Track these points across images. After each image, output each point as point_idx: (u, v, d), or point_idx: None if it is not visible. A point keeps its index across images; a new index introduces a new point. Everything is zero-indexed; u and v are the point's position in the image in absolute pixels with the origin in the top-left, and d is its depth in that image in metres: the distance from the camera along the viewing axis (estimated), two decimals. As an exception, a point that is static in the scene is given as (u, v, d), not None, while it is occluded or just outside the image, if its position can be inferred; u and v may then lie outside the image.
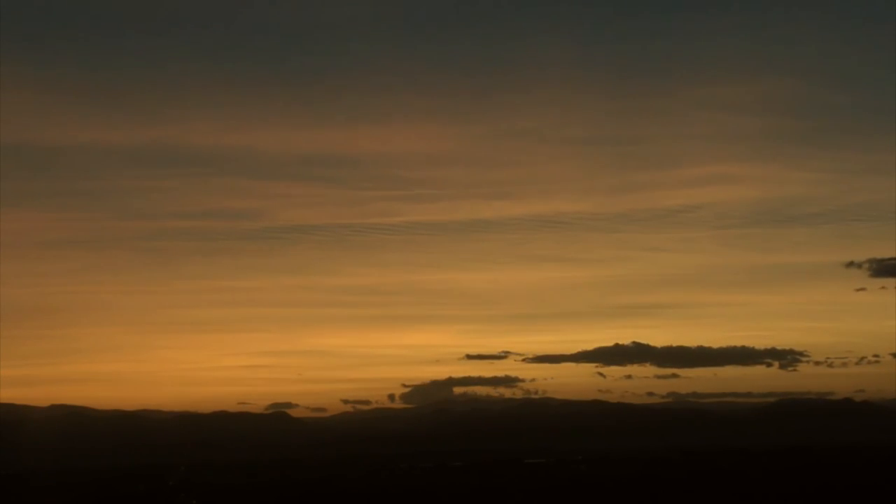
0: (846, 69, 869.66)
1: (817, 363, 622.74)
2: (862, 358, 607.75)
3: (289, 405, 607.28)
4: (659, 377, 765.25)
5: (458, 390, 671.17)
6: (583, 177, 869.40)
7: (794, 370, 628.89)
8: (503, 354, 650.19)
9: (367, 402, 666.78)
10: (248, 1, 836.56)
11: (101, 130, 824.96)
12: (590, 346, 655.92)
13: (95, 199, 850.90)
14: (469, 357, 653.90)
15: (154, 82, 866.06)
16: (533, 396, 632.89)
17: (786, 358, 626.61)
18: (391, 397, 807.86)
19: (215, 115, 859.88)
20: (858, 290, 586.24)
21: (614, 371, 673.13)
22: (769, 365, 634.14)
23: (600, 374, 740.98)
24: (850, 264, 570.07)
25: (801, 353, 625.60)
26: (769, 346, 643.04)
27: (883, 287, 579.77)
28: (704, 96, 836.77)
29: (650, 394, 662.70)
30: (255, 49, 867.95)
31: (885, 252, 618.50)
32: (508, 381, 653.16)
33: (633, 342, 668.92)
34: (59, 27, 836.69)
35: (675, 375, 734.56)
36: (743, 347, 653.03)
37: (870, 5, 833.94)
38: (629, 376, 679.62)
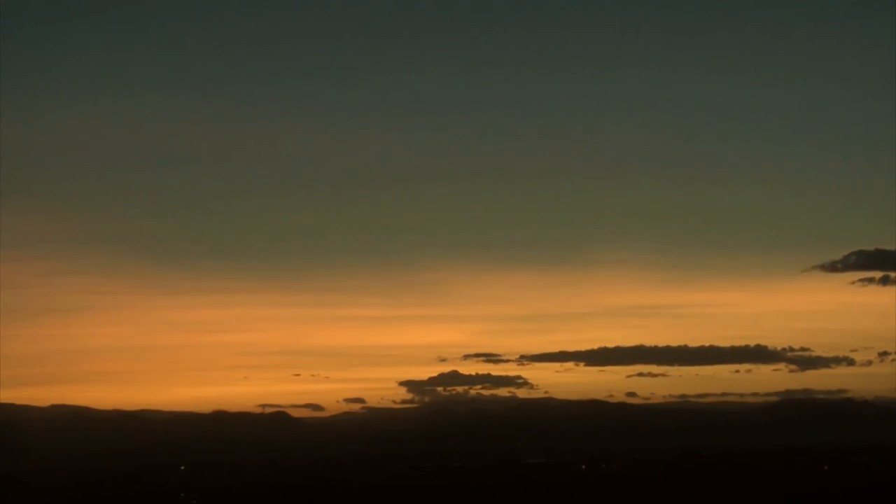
0: (845, 67, 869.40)
1: (833, 361, 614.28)
2: (884, 353, 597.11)
3: (288, 405, 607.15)
4: (661, 377, 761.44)
5: (458, 390, 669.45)
6: (584, 176, 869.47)
7: (808, 369, 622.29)
8: (503, 354, 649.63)
9: (366, 402, 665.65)
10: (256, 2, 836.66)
11: (102, 129, 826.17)
12: (592, 346, 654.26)
13: (96, 198, 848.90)
14: (469, 357, 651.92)
15: (155, 82, 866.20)
16: (533, 396, 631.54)
17: (799, 357, 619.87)
18: (391, 397, 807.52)
19: (216, 115, 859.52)
20: (863, 281, 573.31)
21: (615, 371, 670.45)
22: (789, 362, 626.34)
23: (601, 373, 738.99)
24: (850, 257, 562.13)
25: (813, 351, 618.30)
26: (785, 346, 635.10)
27: (885, 276, 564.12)
28: (708, 93, 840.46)
29: (652, 393, 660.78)
30: (256, 49, 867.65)
31: (887, 245, 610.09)
32: (509, 381, 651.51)
33: (635, 342, 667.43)
34: (60, 24, 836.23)
35: (677, 375, 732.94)
36: (757, 346, 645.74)
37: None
38: (630, 376, 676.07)
